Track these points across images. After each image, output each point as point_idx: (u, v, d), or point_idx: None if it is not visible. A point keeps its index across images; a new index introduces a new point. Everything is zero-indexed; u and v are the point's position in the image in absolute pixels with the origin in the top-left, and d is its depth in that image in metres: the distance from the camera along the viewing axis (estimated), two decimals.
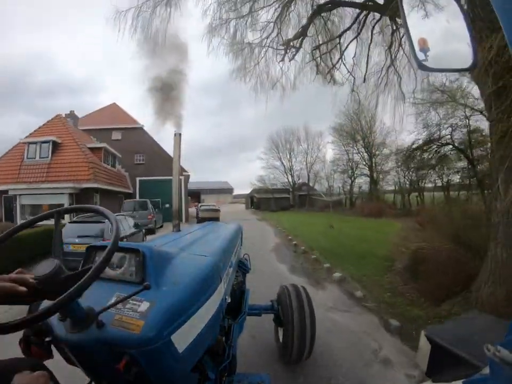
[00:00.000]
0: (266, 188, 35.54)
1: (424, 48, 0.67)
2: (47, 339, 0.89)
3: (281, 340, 2.47)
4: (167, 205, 19.99)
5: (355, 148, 28.43)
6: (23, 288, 0.67)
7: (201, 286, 1.06)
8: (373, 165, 26.42)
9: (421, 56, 0.66)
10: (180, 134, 2.31)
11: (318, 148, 35.04)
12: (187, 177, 21.14)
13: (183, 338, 0.90)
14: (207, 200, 61.82)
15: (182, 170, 20.66)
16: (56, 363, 0.93)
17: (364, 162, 28.14)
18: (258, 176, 37.51)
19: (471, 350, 0.79)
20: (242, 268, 2.54)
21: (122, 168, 20.83)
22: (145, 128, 21.57)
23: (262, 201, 35.82)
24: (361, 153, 27.80)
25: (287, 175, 36.42)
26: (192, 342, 0.94)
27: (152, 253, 1.01)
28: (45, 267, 0.68)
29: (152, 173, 20.44)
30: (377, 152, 26.55)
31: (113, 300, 0.85)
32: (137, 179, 20.47)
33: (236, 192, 68.12)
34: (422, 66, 0.67)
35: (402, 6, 0.71)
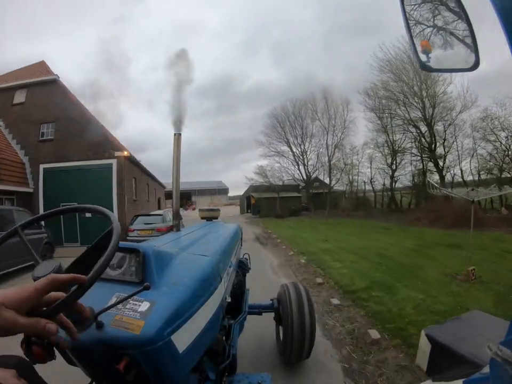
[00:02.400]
0: (268, 183, 25.08)
1: (427, 50, 0.67)
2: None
3: (281, 338, 2.46)
4: (88, 215, 11.05)
5: (403, 108, 18.30)
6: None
7: (201, 286, 1.06)
8: (438, 145, 17.20)
9: (423, 57, 0.67)
10: (180, 134, 2.13)
11: (343, 123, 23.60)
12: (123, 159, 12.02)
13: (183, 338, 0.90)
14: (199, 202, 52.05)
15: (111, 147, 11.73)
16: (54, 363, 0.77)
17: (422, 140, 18.27)
18: (257, 166, 26.25)
19: (471, 349, 0.78)
20: (242, 267, 2.52)
21: (22, 150, 12.05)
22: (61, 80, 12.81)
23: (263, 202, 25.40)
24: (415, 128, 18.38)
25: (297, 164, 24.96)
26: (192, 342, 0.94)
27: (152, 253, 1.00)
28: (45, 267, 0.67)
29: (67, 155, 11.63)
30: (447, 121, 16.54)
31: (113, 300, 0.84)
32: (41, 167, 11.64)
33: (231, 193, 60.38)
34: (424, 66, 0.67)
35: (403, 7, 0.71)
